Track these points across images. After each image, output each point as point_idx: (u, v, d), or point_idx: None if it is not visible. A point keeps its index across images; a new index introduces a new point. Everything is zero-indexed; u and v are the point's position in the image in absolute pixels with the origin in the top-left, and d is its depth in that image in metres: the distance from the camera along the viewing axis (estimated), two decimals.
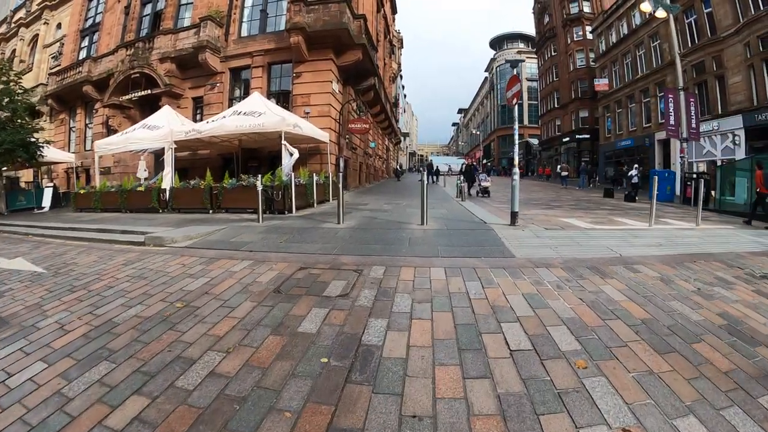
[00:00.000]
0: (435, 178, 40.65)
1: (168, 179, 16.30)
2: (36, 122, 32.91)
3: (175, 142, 16.90)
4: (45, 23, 36.49)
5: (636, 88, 35.85)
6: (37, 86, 32.38)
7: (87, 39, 31.58)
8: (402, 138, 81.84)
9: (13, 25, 40.48)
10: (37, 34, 37.20)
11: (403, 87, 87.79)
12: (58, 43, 34.42)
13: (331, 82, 21.05)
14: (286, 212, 13.48)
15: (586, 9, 50.98)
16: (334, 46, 20.98)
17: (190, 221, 12.33)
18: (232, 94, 22.93)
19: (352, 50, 21.42)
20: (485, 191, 20.79)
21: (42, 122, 31.85)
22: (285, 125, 14.53)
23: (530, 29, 78.09)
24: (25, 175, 32.98)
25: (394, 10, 51.58)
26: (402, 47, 61.24)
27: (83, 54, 31.07)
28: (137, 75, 24.09)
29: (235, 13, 23.32)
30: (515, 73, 14.80)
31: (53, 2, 35.43)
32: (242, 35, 23.28)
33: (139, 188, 16.79)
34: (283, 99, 21.99)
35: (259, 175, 12.51)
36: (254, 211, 12.67)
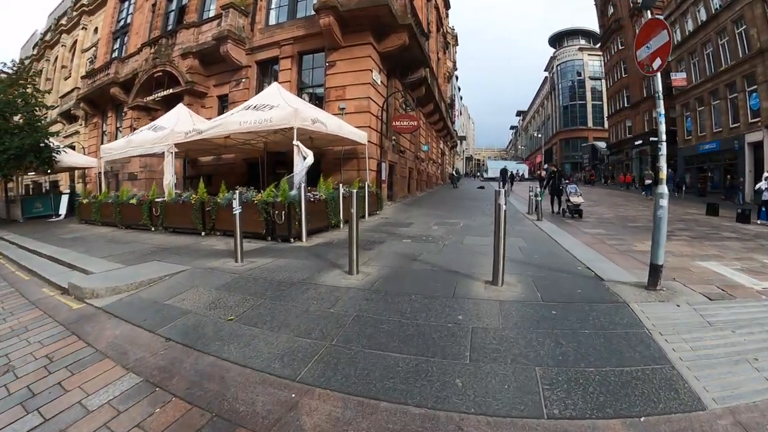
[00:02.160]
0: (510, 185, 35.90)
1: (168, 189, 13.18)
2: (69, 127, 32.19)
3: (177, 145, 13.67)
4: (83, 28, 35.83)
5: (720, 82, 30.53)
6: (72, 90, 32.87)
7: (119, 41, 29.96)
8: (458, 141, 77.19)
9: (55, 32, 40.58)
10: (77, 40, 36.55)
11: (459, 88, 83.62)
12: (94, 47, 33.46)
13: (371, 71, 17.00)
14: (293, 239, 9.65)
15: None
16: (373, 29, 16.92)
17: (162, 251, 9.48)
18: (260, 91, 18.94)
19: (396, 33, 17.27)
20: (576, 210, 15.30)
21: (78, 126, 32.43)
22: (298, 120, 10.55)
23: (591, 24, 72.18)
24: (64, 180, 32.62)
25: (447, 5, 47.07)
26: (457, 44, 56.72)
27: (115, 56, 29.07)
28: (160, 74, 21.69)
29: (262, 0, 19.83)
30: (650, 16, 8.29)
31: (90, 7, 34.52)
32: (270, 24, 19.76)
33: (132, 201, 13.85)
34: (316, 94, 18.36)
35: (237, 191, 8.68)
36: (255, 236, 9.92)
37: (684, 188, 28.61)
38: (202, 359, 3.92)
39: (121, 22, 30.02)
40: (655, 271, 5.70)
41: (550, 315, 4.68)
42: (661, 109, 5.85)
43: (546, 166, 54.72)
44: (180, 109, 15.86)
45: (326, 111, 15.93)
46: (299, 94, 17.68)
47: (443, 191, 33.04)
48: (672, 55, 36.23)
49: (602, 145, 62.86)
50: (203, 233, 11.36)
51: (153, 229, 12.90)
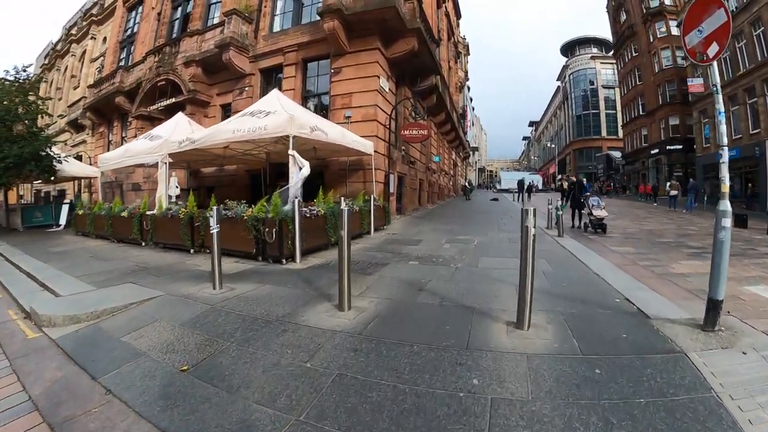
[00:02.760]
0: (529, 197, 34.21)
1: (163, 200, 12.22)
2: (77, 136, 31.78)
3: (173, 155, 12.65)
4: (92, 38, 35.94)
5: (738, 86, 29.00)
6: (79, 100, 32.46)
7: (125, 50, 29.49)
8: (471, 152, 76.03)
9: (66, 42, 40.66)
10: (86, 49, 36.57)
11: (471, 99, 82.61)
12: (102, 57, 33.25)
13: (378, 77, 15.96)
14: (284, 260, 8.53)
15: (668, 1, 43.21)
16: (380, 33, 15.94)
17: (143, 270, 8.54)
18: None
19: (404, 38, 16.28)
20: (600, 224, 13.82)
21: (85, 135, 32.13)
22: (294, 127, 9.56)
23: (603, 33, 70.89)
24: (71, 189, 31.70)
25: (458, 14, 46.13)
26: (468, 54, 55.74)
27: (121, 65, 28.43)
28: (163, 82, 20.92)
29: (266, 6, 19.08)
30: None
31: (99, 17, 34.60)
32: (274, 30, 18.89)
33: (123, 214, 12.87)
34: (322, 102, 17.39)
35: (212, 209, 7.56)
36: (245, 256, 8.98)
37: (706, 198, 27.10)
38: (135, 427, 2.96)
39: (128, 32, 29.63)
40: (714, 307, 4.57)
41: (594, 376, 3.51)
42: (721, 106, 4.69)
43: (567, 176, 53.33)
44: (179, 117, 14.94)
45: (331, 119, 15.17)
46: (304, 103, 16.85)
47: (455, 204, 31.83)
48: (688, 60, 35.09)
49: (617, 154, 61.49)
50: (192, 250, 10.36)
51: (143, 244, 11.94)
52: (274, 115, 10.07)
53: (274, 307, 5.55)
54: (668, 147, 42.84)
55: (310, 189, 15.86)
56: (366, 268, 7.72)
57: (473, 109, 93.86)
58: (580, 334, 4.45)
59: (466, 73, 53.46)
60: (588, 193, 14.94)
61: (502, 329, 4.64)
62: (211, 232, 6.52)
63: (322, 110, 16.76)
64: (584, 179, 19.27)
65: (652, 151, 45.94)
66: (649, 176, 47.23)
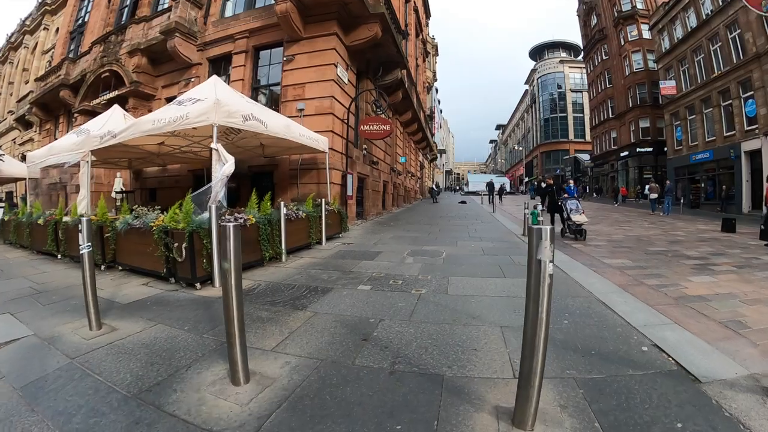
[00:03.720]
0: (500, 199, 33.14)
1: (83, 206, 9.81)
2: (25, 133, 29.49)
3: (97, 153, 10.41)
4: (45, 29, 33.82)
5: (713, 89, 28.87)
6: (27, 94, 29.80)
7: (75, 40, 26.73)
8: (438, 155, 74.48)
9: (20, 33, 38.32)
10: (38, 41, 34.65)
11: (439, 101, 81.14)
12: (53, 49, 30.79)
13: (335, 65, 14.01)
14: (198, 285, 6.37)
15: (639, 5, 43.42)
16: (339, 18, 14.00)
17: (37, 294, 6.57)
18: None
19: (367, 24, 14.38)
20: (578, 230, 12.24)
21: (33, 133, 30.04)
22: (219, 114, 7.46)
23: (572, 38, 70.91)
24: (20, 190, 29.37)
25: (427, 13, 44.49)
26: (437, 54, 53.83)
27: (71, 56, 26.09)
28: (107, 74, 18.66)
29: None
30: None
31: (53, 7, 32.21)
32: (225, 15, 16.76)
33: (39, 221, 10.66)
34: (274, 94, 15.35)
35: (81, 220, 5.87)
36: (159, 277, 6.93)
37: (682, 201, 26.06)
38: None
39: (80, 21, 26.87)
40: None
41: None
42: None
43: (505, 179, 52.58)
44: (113, 110, 12.53)
45: (282, 113, 13.17)
46: (254, 95, 14.99)
47: (422, 207, 29.82)
48: (660, 63, 35.18)
49: (585, 157, 61.22)
50: (102, 266, 8.11)
51: (58, 256, 9.78)
52: (201, 102, 7.97)
53: (148, 368, 3.59)
54: (638, 149, 42.46)
55: (259, 191, 13.94)
56: (299, 297, 5.74)
57: (441, 111, 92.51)
58: None
59: (434, 73, 51.65)
60: (566, 196, 13.27)
61: (489, 427, 2.68)
62: (81, 252, 4.52)
63: (275, 103, 14.77)
64: (571, 180, 17.62)
65: (622, 154, 45.56)
66: (618, 178, 47.02)
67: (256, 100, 14.62)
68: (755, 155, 24.81)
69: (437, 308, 5.19)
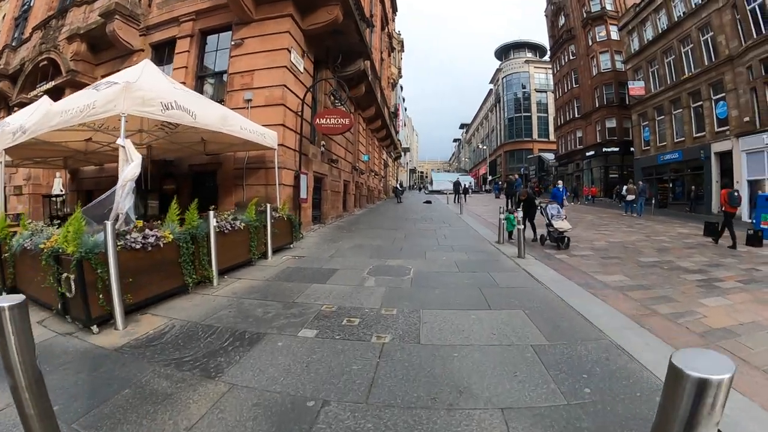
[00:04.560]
0: (465, 199, 31.96)
1: None
2: None
3: (9, 151, 8.72)
4: None
5: (683, 90, 28.55)
6: None
7: (20, 27, 24.13)
8: (402, 153, 73.07)
9: None
10: None
11: (404, 99, 79.77)
12: None
13: (289, 51, 12.31)
14: (96, 328, 4.59)
15: (609, 6, 43.09)
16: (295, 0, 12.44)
17: None
18: None
19: (326, 6, 12.71)
20: (561, 238, 10.90)
21: None
22: (129, 101, 5.79)
23: (538, 39, 70.80)
24: None
25: (394, 7, 43.20)
26: (403, 50, 52.34)
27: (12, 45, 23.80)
28: (45, 62, 16.68)
29: None
30: None
31: None
32: None
33: None
34: (222, 83, 13.40)
35: None
36: (51, 309, 5.13)
37: (653, 201, 25.84)
38: None
39: (25, 6, 24.37)
40: None
41: None
42: None
43: (470, 178, 51.63)
44: (41, 102, 10.61)
45: (227, 104, 11.75)
46: (198, 84, 13.27)
47: (386, 207, 28.18)
48: (629, 64, 34.86)
49: (550, 156, 60.94)
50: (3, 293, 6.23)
51: None
52: (115, 86, 6.27)
53: None
54: (604, 149, 42.08)
55: (201, 193, 11.98)
56: (217, 352, 4.08)
57: (406, 109, 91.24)
58: None
59: (399, 70, 50.12)
60: (546, 201, 12.07)
61: None
62: None
63: (219, 97, 12.92)
64: (560, 181, 16.34)
65: (587, 153, 45.17)
66: (583, 178, 46.73)
67: (201, 90, 13.02)
68: (725, 156, 24.56)
69: (407, 373, 3.59)
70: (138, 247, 5.32)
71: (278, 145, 10.93)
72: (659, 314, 5.49)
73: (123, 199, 5.55)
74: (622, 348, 4.18)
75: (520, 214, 9.55)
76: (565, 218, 11.22)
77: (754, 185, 22.12)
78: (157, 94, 6.34)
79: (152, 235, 5.58)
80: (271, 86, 12.06)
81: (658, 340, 4.52)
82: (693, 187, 27.01)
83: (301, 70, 13.16)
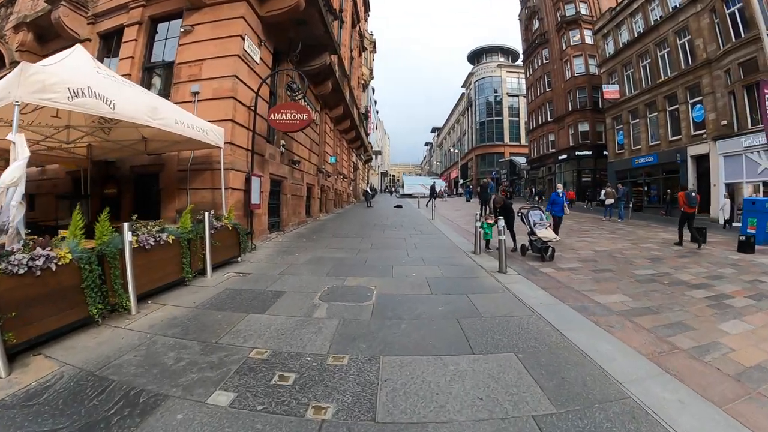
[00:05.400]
0: (433, 202, 30.59)
1: None
2: None
3: None
4: None
5: (659, 93, 28.09)
6: None
7: None
8: (374, 156, 71.81)
9: None
10: None
11: (375, 102, 78.51)
12: None
13: (242, 38, 10.89)
14: None
15: (584, 11, 42.67)
16: None
17: None
18: None
19: None
20: (545, 248, 9.71)
21: None
22: (24, 88, 4.47)
23: (510, 43, 70.65)
24: None
25: (367, 6, 42.08)
26: (375, 51, 51.09)
27: None
28: None
29: None
30: None
31: None
32: None
33: None
34: (169, 75, 11.80)
35: None
36: None
37: (632, 205, 25.41)
38: None
39: None
40: None
41: None
42: None
43: (442, 182, 50.81)
44: None
45: (173, 98, 10.48)
46: (146, 76, 11.89)
47: (355, 212, 26.61)
48: (603, 68, 34.66)
49: (522, 160, 60.50)
50: None
51: None
52: (15, 70, 4.89)
53: None
54: (577, 152, 41.58)
55: (145, 198, 11.01)
56: (91, 429, 2.81)
57: (378, 112, 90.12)
58: None
59: (371, 71, 48.85)
60: (528, 206, 10.94)
61: None
62: None
63: (165, 91, 11.46)
64: (559, 184, 14.99)
65: (560, 157, 44.69)
66: (555, 181, 45.47)
67: (148, 83, 11.66)
68: (702, 159, 24.07)
69: None
70: (22, 271, 3.95)
71: (226, 143, 9.56)
72: (680, 350, 4.40)
73: (11, 210, 4.17)
74: (652, 412, 3.05)
75: (501, 222, 8.31)
76: (550, 226, 10.05)
77: (731, 188, 21.57)
78: (63, 78, 4.91)
79: (42, 256, 4.19)
80: (220, 77, 10.60)
81: (692, 393, 3.43)
82: (668, 190, 26.50)
83: (257, 60, 11.74)
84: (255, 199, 10.47)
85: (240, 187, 10.50)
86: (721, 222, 18.84)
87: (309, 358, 3.96)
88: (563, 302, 6.02)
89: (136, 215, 6.39)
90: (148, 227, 6.31)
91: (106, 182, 11.25)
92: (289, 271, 7.98)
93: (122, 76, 10.30)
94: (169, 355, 4.08)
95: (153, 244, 6.06)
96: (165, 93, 11.02)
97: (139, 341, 4.44)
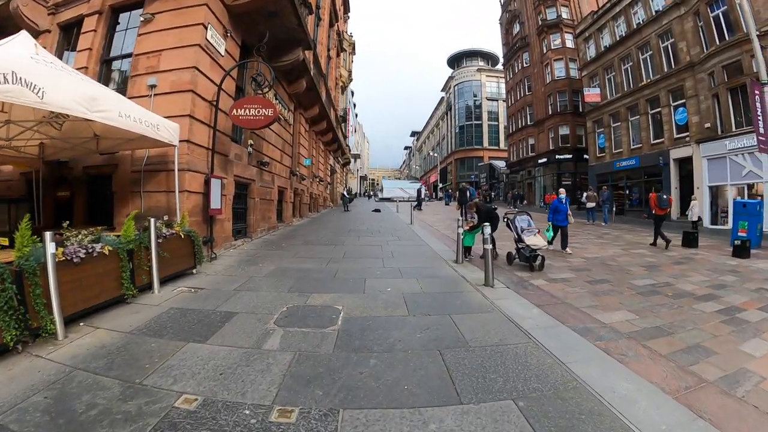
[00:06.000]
0: (420, 206, 32.29)
1: None
2: None
3: None
4: None
5: (640, 97, 27.95)
6: None
7: None
8: (353, 159, 70.79)
9: None
10: None
11: (354, 105, 77.52)
12: None
13: (204, 27, 9.86)
14: None
15: (565, 15, 42.45)
16: None
17: None
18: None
19: None
20: (533, 256, 8.86)
21: None
22: None
23: (490, 47, 70.40)
24: None
25: (346, 7, 41.12)
26: (354, 53, 50.02)
27: None
28: None
29: None
30: None
31: None
32: None
33: None
34: (128, 68, 10.67)
35: None
36: None
37: (614, 209, 24.85)
38: None
39: None
40: None
41: None
42: None
43: (420, 185, 50.61)
44: None
45: (130, 92, 9.55)
46: (104, 69, 10.87)
47: (331, 217, 25.27)
48: (584, 71, 34.55)
49: (501, 164, 60.09)
50: None
51: None
52: None
53: None
54: (557, 156, 41.16)
55: (99, 203, 9.96)
56: None
57: (356, 115, 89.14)
58: None
59: (350, 73, 47.83)
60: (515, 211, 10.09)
61: None
62: None
63: (121, 86, 10.38)
64: (562, 189, 13.34)
65: (540, 160, 44.27)
66: (534, 185, 46.09)
67: (107, 77, 10.68)
68: (685, 162, 23.88)
69: None
70: None
71: (182, 141, 8.56)
72: (707, 383, 3.67)
73: None
74: None
75: (487, 230, 7.35)
76: (539, 232, 9.15)
77: (715, 191, 21.49)
78: None
79: None
80: (179, 69, 9.54)
81: None
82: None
83: (222, 52, 10.71)
84: (215, 203, 9.42)
85: (198, 190, 9.43)
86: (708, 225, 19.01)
87: (248, 412, 3.00)
88: (563, 323, 5.15)
89: (66, 226, 5.41)
90: (80, 236, 5.33)
91: (59, 184, 10.26)
92: (247, 286, 6.96)
93: (79, 69, 9.30)
94: (83, 399, 3.16)
95: (83, 256, 5.07)
96: (124, 88, 9.97)
97: (55, 376, 3.54)
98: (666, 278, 8.09)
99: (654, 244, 12.95)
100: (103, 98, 5.92)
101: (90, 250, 5.24)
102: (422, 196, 31.92)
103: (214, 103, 10.08)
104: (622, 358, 4.09)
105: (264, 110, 9.86)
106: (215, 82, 10.20)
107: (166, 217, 7.64)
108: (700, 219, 18.97)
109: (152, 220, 6.52)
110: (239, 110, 9.89)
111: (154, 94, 9.46)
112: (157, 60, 9.80)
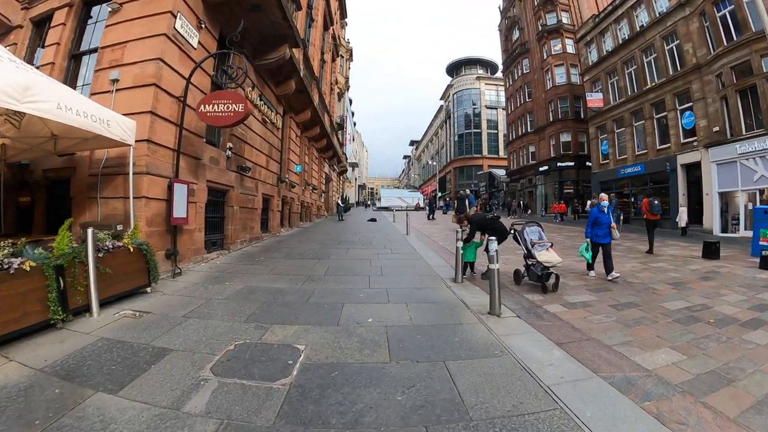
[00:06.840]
0: (432, 215, 32.48)
1: None
2: None
3: None
4: None
5: (645, 101, 27.09)
6: None
7: None
8: (350, 168, 69.82)
9: None
10: None
11: (352, 114, 76.57)
12: None
13: (173, 15, 8.77)
14: None
15: (565, 20, 41.67)
16: None
17: None
18: (33, 61, 10.66)
19: None
20: (547, 274, 7.48)
21: None
22: None
23: (489, 56, 69.94)
24: None
25: (343, 12, 40.21)
26: (351, 60, 49.18)
27: None
28: None
29: None
30: None
31: None
32: None
33: None
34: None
35: None
36: None
37: (622, 217, 24.26)
38: None
39: None
40: None
41: None
42: None
43: (419, 194, 49.39)
44: None
45: (93, 88, 8.78)
46: (74, 65, 9.88)
47: (323, 226, 23.82)
48: (586, 76, 33.53)
49: (501, 172, 59.27)
50: None
51: None
52: None
53: None
54: (559, 164, 40.20)
55: (60, 210, 8.63)
56: None
57: (355, 123, 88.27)
58: None
59: (347, 79, 46.91)
60: (522, 222, 8.76)
61: None
62: None
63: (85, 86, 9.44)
64: (603, 194, 10.60)
65: (541, 168, 43.24)
66: (536, 193, 45.15)
67: (75, 72, 9.72)
68: (693, 168, 23.15)
69: None
70: None
71: (141, 140, 7.49)
72: None
73: None
74: None
75: (493, 246, 6.03)
76: (551, 246, 7.91)
77: (724, 197, 20.70)
78: None
79: None
80: (142, 61, 8.41)
81: None
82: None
83: (195, 45, 9.55)
84: (179, 211, 8.19)
85: (160, 197, 8.20)
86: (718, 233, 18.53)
87: None
88: (595, 373, 3.85)
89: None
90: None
91: (20, 189, 9.26)
92: (201, 311, 5.69)
93: (45, 65, 9.32)
94: None
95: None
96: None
97: None
98: (699, 299, 6.94)
99: (650, 251, 12.92)
100: (38, 87, 4.83)
101: (6, 266, 4.19)
102: (435, 205, 32.26)
103: (182, 99, 8.86)
104: (682, 430, 2.92)
105: (234, 105, 8.59)
106: (185, 76, 9.02)
107: (120, 227, 6.53)
108: (688, 225, 19.67)
109: (90, 230, 5.34)
110: (207, 106, 8.65)
111: (116, 90, 8.34)
112: (122, 52, 8.73)
